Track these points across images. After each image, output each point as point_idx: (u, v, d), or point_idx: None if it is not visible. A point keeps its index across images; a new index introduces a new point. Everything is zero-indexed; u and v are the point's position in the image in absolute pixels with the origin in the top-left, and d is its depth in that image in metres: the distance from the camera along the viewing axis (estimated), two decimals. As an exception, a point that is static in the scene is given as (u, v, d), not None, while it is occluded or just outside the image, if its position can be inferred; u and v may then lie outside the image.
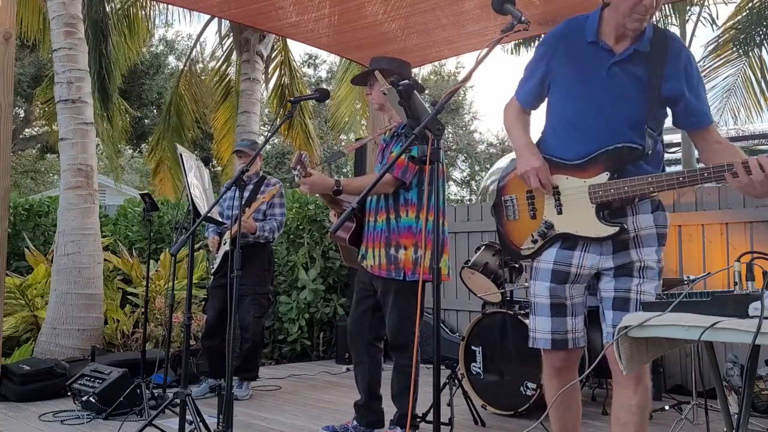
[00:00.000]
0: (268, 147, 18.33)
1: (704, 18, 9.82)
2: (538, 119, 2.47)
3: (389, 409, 3.42)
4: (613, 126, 2.16)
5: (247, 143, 4.92)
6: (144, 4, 9.52)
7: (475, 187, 23.88)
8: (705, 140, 2.23)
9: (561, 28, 2.29)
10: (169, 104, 10.05)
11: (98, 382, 4.00)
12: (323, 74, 22.38)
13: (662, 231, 2.23)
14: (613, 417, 2.22)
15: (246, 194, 4.74)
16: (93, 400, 3.91)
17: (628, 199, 2.15)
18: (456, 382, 3.89)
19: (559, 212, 2.24)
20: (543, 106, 2.41)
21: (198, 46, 10.78)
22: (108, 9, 9.20)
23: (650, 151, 2.18)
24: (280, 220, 4.76)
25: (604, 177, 2.15)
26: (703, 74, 9.74)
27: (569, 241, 2.24)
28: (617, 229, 2.14)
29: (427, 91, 19.27)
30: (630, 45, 2.16)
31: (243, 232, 4.52)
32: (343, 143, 18.67)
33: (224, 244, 4.64)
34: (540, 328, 2.30)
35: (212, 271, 4.78)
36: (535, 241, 2.29)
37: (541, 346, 2.31)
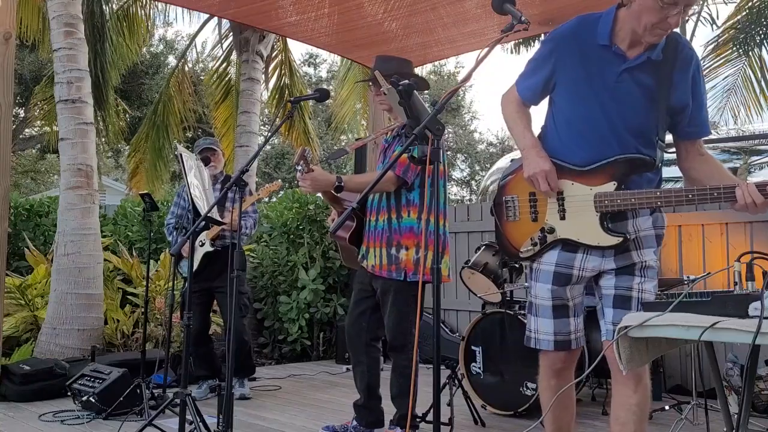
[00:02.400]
0: (267, 147, 18.32)
1: (704, 18, 9.84)
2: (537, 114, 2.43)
3: (389, 409, 3.42)
4: (620, 135, 2.13)
5: (210, 141, 4.83)
6: (144, 3, 9.53)
7: (475, 187, 23.89)
8: (689, 151, 2.24)
9: (572, 27, 2.18)
10: (157, 104, 9.99)
11: (98, 382, 4.00)
12: (323, 74, 22.39)
13: (660, 232, 2.25)
14: (612, 416, 2.21)
15: (216, 194, 4.69)
16: (93, 400, 3.91)
17: (627, 210, 2.14)
18: (456, 382, 3.89)
19: (562, 218, 2.21)
20: (543, 103, 2.35)
21: (197, 46, 10.75)
22: (105, 9, 9.20)
23: (660, 163, 2.19)
24: (255, 217, 4.72)
25: (611, 186, 2.12)
26: (703, 73, 9.79)
27: (571, 245, 2.22)
28: (621, 239, 2.13)
29: (427, 91, 19.26)
30: (643, 52, 2.09)
31: (222, 234, 4.51)
32: (343, 143, 18.67)
33: (201, 245, 4.53)
34: (542, 329, 2.28)
35: (183, 273, 4.64)
36: (534, 244, 2.25)
37: (544, 348, 2.29)
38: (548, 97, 2.29)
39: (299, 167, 3.07)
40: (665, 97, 2.12)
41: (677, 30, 2.09)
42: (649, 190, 2.10)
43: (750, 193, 1.92)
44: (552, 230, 2.22)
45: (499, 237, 2.41)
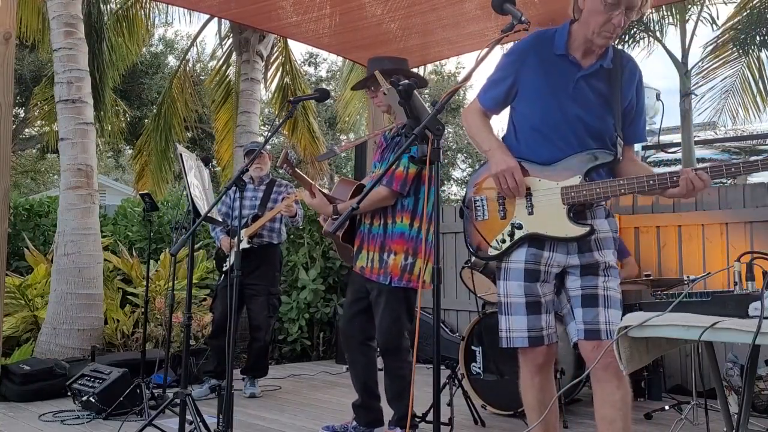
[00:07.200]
0: (268, 147, 18.29)
1: (704, 18, 9.81)
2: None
3: (388, 409, 3.41)
4: (581, 137, 2.26)
5: (258, 143, 4.99)
6: (144, 4, 9.52)
7: (474, 187, 23.90)
8: (625, 155, 2.35)
9: (531, 40, 2.33)
10: (160, 106, 9.97)
11: (98, 382, 4.00)
12: (323, 73, 22.36)
13: (615, 235, 2.37)
14: (597, 415, 2.23)
15: (259, 194, 4.77)
16: (93, 400, 3.91)
17: (594, 201, 2.23)
18: (456, 382, 3.90)
19: (530, 213, 2.28)
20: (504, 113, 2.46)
21: (197, 46, 10.72)
22: (104, 9, 9.18)
23: (621, 158, 2.30)
24: (300, 213, 4.79)
25: (576, 179, 2.22)
26: (702, 74, 9.79)
27: (538, 242, 2.29)
28: (587, 229, 2.22)
29: (427, 91, 19.28)
30: (596, 61, 2.26)
31: (260, 232, 4.59)
32: (343, 143, 18.68)
33: (242, 240, 4.63)
34: (516, 326, 2.32)
35: (225, 267, 4.75)
36: (503, 242, 2.32)
37: (518, 345, 2.33)
38: (509, 107, 2.41)
39: (283, 170, 3.18)
40: (618, 100, 2.28)
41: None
42: (612, 179, 2.21)
43: (691, 178, 2.09)
44: (520, 226, 2.29)
45: (468, 237, 2.45)
